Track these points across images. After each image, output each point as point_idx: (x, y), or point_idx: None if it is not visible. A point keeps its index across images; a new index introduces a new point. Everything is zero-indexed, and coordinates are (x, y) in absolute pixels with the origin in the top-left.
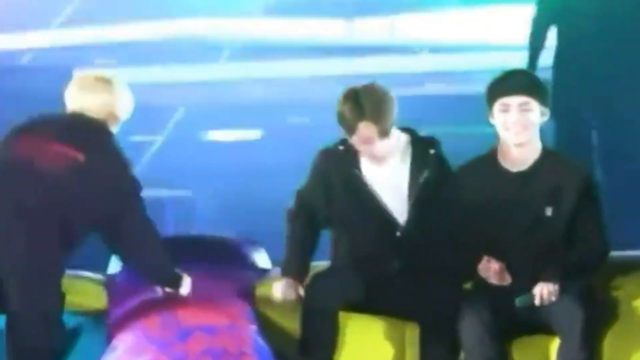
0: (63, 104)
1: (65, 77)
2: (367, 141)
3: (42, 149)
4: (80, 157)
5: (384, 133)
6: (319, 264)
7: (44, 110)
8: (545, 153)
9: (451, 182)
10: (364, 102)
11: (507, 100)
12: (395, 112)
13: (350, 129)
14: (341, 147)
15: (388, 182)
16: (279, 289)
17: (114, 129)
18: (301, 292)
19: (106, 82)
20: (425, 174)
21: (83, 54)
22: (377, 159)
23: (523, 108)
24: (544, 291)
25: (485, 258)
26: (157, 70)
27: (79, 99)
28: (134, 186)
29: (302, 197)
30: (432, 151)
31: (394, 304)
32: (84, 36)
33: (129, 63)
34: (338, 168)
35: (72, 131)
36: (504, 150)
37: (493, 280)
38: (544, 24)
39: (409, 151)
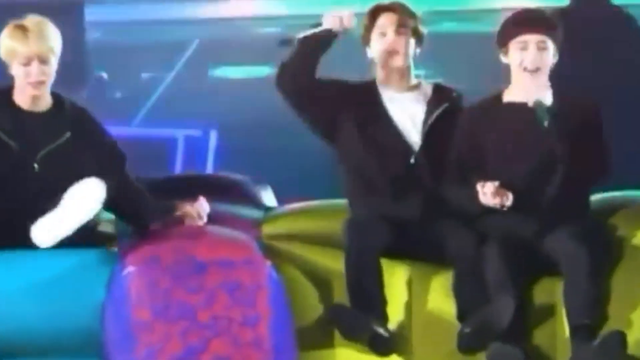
0: None
1: None
2: (383, 34)
3: None
4: None
5: (401, 24)
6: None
7: None
8: (554, 91)
9: (459, 121)
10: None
11: (526, 38)
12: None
13: (370, 24)
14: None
15: (405, 112)
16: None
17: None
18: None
19: None
20: (442, 107)
21: None
22: (393, 56)
23: (540, 46)
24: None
25: (479, 184)
26: (167, 6)
27: None
28: None
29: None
30: (454, 94)
31: (419, 249)
32: None
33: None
34: (359, 100)
35: None
36: (515, 87)
37: (492, 202)
38: None
39: (429, 93)
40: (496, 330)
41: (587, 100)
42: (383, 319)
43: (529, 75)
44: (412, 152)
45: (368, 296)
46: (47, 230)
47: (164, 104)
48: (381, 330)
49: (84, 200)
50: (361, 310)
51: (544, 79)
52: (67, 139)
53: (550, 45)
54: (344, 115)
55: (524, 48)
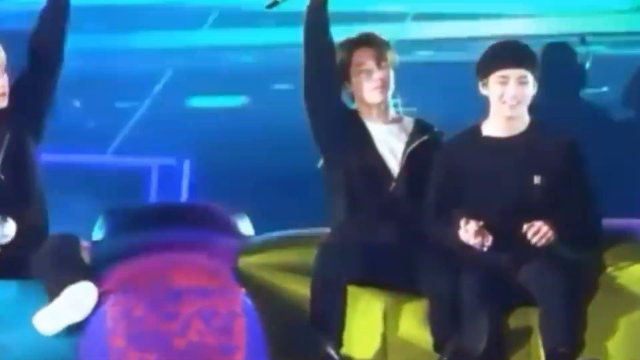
0: None
1: None
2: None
3: None
4: None
5: (381, 58)
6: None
7: None
8: (533, 124)
9: (437, 155)
10: (362, 34)
11: (507, 73)
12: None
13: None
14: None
15: (385, 144)
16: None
17: None
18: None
19: None
20: (421, 139)
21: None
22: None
23: (521, 81)
24: (542, 229)
25: (462, 220)
26: (142, 35)
27: None
28: None
29: None
30: (435, 129)
31: (395, 278)
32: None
33: (115, 29)
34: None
35: None
36: (493, 121)
37: (473, 241)
38: None
39: (410, 127)
40: (473, 356)
41: (566, 135)
42: (337, 343)
43: (508, 109)
44: (392, 180)
45: (326, 320)
46: (48, 321)
47: (139, 133)
48: (332, 353)
49: (82, 303)
50: (318, 333)
51: (523, 111)
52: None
53: (531, 79)
54: (339, 134)
55: (504, 83)
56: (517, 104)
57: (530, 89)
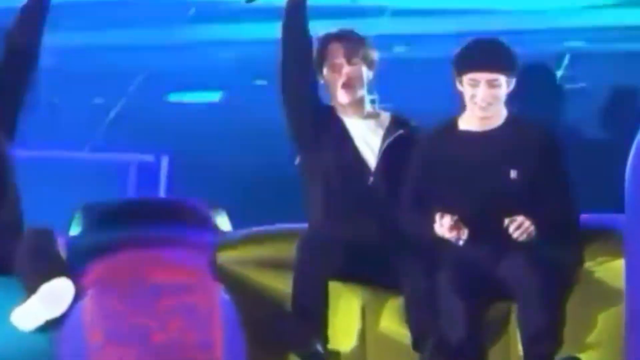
0: None
1: None
2: (336, 66)
3: None
4: None
5: (352, 54)
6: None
7: None
8: (509, 118)
9: (414, 148)
10: (339, 29)
11: (476, 76)
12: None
13: (321, 54)
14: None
15: (362, 139)
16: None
17: None
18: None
19: None
20: (397, 134)
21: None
22: (345, 89)
23: (492, 84)
24: (524, 223)
25: (437, 214)
26: (120, 32)
27: None
28: None
29: None
30: (411, 123)
31: (373, 273)
32: None
33: (93, 25)
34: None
35: None
36: (469, 116)
37: (449, 235)
38: None
39: (387, 122)
40: (451, 351)
41: (544, 129)
42: (323, 339)
43: (479, 110)
44: (370, 175)
45: (311, 316)
46: (26, 318)
47: (117, 130)
48: (319, 349)
49: (59, 299)
50: (304, 329)
51: (496, 110)
52: None
53: (503, 81)
54: (316, 130)
55: (474, 85)
56: (487, 105)
57: (503, 90)
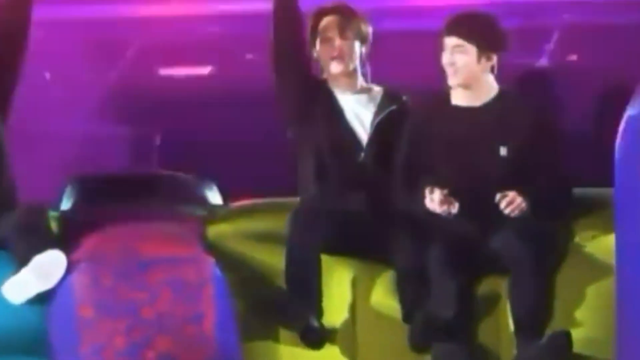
0: None
1: None
2: (328, 39)
3: None
4: None
5: (345, 28)
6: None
7: None
8: (500, 93)
9: (406, 123)
10: (333, 3)
11: (445, 41)
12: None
13: (314, 27)
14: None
15: (353, 112)
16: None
17: None
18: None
19: None
20: (389, 109)
21: None
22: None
23: (456, 50)
24: (516, 199)
25: (427, 189)
26: (110, 6)
27: None
28: None
29: None
30: (403, 98)
31: (365, 247)
32: None
33: None
34: (318, 94)
35: None
36: (459, 90)
37: (439, 209)
38: None
39: (379, 97)
40: (442, 324)
41: (535, 104)
42: (318, 313)
43: (450, 77)
44: (361, 150)
45: (306, 289)
46: (17, 290)
47: (109, 103)
48: (315, 323)
49: (50, 272)
50: (298, 303)
51: (469, 77)
52: None
53: (470, 49)
54: (308, 105)
55: (445, 50)
56: (453, 72)
57: (471, 58)
